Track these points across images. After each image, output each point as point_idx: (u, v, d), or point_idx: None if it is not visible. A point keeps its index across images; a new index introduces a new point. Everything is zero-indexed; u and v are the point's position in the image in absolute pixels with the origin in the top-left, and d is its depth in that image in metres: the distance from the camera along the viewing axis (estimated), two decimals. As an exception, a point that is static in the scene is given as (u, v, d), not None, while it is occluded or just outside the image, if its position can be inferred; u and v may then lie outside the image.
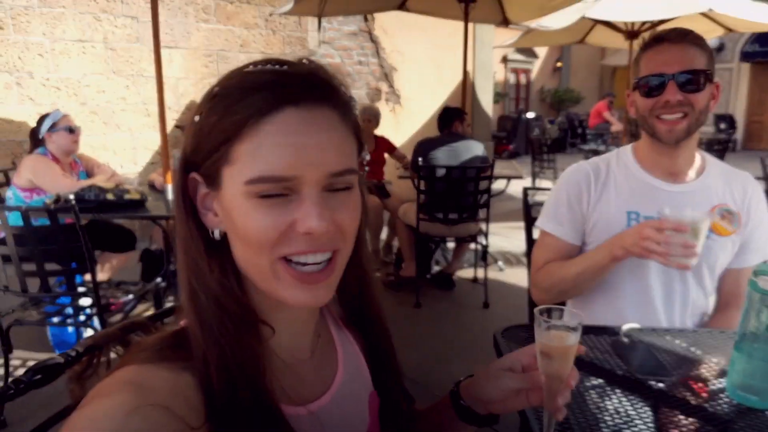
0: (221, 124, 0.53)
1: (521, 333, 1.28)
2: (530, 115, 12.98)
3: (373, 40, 6.81)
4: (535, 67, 15.12)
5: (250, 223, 0.53)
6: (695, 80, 1.27)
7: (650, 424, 0.94)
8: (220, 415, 0.52)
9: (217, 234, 0.58)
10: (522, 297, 3.58)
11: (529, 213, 1.87)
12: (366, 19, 6.70)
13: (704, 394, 1.02)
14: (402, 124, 7.19)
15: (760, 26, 5.56)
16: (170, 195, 2.89)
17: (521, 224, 5.29)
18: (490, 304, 3.53)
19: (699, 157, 1.43)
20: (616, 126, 10.49)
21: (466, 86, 5.00)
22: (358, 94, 6.79)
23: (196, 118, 0.56)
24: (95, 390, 0.51)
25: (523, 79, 15.00)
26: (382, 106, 6.74)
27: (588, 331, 1.30)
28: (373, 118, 4.53)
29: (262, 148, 0.52)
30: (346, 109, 0.57)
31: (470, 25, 4.86)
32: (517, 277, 4.11)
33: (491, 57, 8.79)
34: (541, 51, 14.86)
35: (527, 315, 1.86)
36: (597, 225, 1.42)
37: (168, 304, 3.10)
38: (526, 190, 1.95)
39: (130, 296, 2.73)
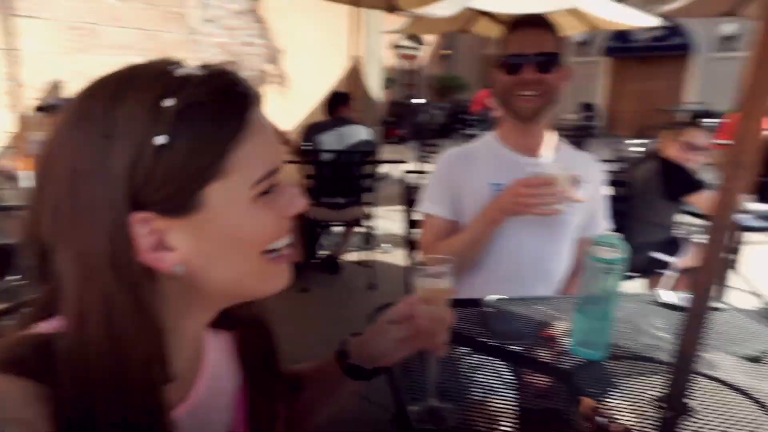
0: (213, 137, 0.51)
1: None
2: (418, 100, 13.37)
3: (260, 20, 6.59)
4: (424, 53, 15.55)
5: (256, 226, 0.55)
6: (548, 62, 1.42)
7: (512, 383, 1.05)
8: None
9: (179, 270, 0.53)
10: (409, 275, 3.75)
11: (408, 195, 1.94)
12: (252, -2, 6.46)
13: (554, 353, 1.15)
14: (291, 108, 7.07)
15: (620, 25, 6.17)
16: (25, 182, 2.61)
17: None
18: (378, 285, 3.63)
19: (555, 138, 1.58)
20: (497, 112, 11.15)
21: (355, 71, 5.02)
22: (245, 75, 6.56)
23: (160, 140, 0.48)
24: None
25: (412, 65, 15.37)
26: (269, 89, 6.57)
27: (458, 303, 1.40)
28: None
29: (258, 147, 0.54)
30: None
31: (359, 10, 4.89)
32: (403, 257, 4.27)
33: (380, 42, 8.89)
34: (430, 38, 15.31)
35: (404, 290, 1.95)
36: (466, 198, 1.53)
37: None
38: (405, 173, 2.02)
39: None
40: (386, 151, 4.10)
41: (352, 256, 4.20)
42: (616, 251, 1.05)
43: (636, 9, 6.17)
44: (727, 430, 0.89)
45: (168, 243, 0.51)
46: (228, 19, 6.29)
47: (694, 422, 0.91)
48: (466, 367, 1.10)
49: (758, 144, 0.89)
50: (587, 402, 0.91)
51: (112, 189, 0.48)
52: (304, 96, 7.20)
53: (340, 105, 3.78)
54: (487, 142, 1.60)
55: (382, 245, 4.47)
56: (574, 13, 5.71)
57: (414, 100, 13.15)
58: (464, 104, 14.36)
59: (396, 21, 7.81)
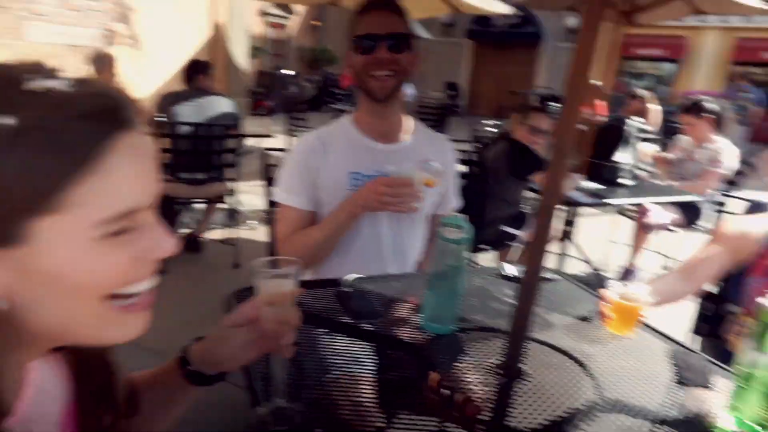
0: (45, 169, 0.44)
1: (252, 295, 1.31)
2: (288, 72, 13.01)
3: (105, -28, 5.90)
4: (293, 23, 15.10)
5: (93, 269, 0.48)
6: (400, 43, 1.45)
7: (368, 360, 1.08)
8: None
9: (3, 304, 0.47)
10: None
11: (268, 173, 1.89)
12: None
13: (408, 329, 1.20)
14: (144, 73, 6.48)
15: (476, 9, 6.53)
16: None
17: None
18: (241, 263, 3.52)
19: (409, 121, 1.62)
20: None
21: (218, 37, 4.73)
22: (90, 34, 5.86)
23: None
24: None
25: (281, 34, 14.85)
26: (121, 52, 5.95)
27: (316, 284, 1.40)
28: (110, 67, 3.96)
29: (110, 183, 0.47)
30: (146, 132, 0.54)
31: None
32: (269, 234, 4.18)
33: (247, 8, 8.46)
34: (300, 8, 14.87)
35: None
36: (325, 188, 1.52)
37: None
38: (266, 150, 1.96)
39: None
40: (253, 124, 3.93)
41: (214, 234, 4.00)
42: (461, 231, 1.12)
43: (492, -4, 6.60)
44: (555, 388, 1.00)
45: None
46: (66, -32, 5.55)
47: (528, 385, 1.01)
48: (326, 347, 1.11)
49: (576, 135, 0.99)
50: (433, 376, 0.97)
51: None
52: (159, 61, 6.63)
53: (199, 74, 3.54)
54: (343, 126, 1.58)
55: (247, 222, 4.32)
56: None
57: (283, 71, 12.77)
58: (334, 78, 14.26)
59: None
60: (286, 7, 14.05)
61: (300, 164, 1.53)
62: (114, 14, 6.09)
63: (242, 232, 3.81)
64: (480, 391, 0.99)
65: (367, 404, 0.98)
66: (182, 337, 0.81)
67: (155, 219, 0.52)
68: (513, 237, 2.91)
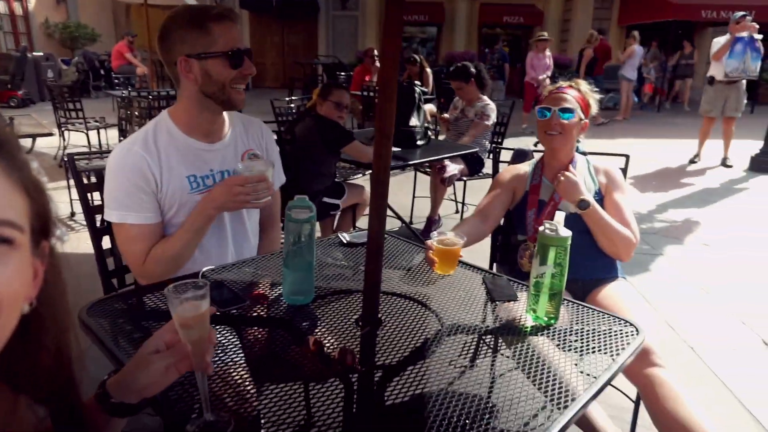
0: None
1: (107, 306, 1.27)
2: (38, 53, 11.16)
3: None
4: (32, -5, 12.88)
5: None
6: (252, 56, 1.52)
7: (236, 345, 1.16)
8: None
9: None
10: (81, 262, 3.32)
11: (80, 182, 1.74)
12: None
13: (270, 307, 1.31)
14: None
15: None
16: None
17: (60, 184, 4.69)
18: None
19: (225, 115, 1.64)
20: (141, 69, 10.29)
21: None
22: None
23: None
24: None
25: (18, 8, 12.55)
26: None
27: (172, 281, 1.40)
28: None
29: None
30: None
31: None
32: (70, 243, 3.73)
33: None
34: (36, -23, 12.69)
35: (101, 283, 1.79)
36: (167, 196, 1.49)
37: None
38: (72, 157, 1.80)
39: None
40: (16, 123, 3.37)
41: None
42: (309, 210, 1.25)
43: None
44: (407, 327, 1.22)
45: None
46: None
47: (386, 329, 1.21)
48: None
49: (393, 118, 1.17)
50: (311, 339, 1.11)
51: None
52: None
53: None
54: (166, 129, 1.53)
55: (58, 230, 3.78)
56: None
57: (34, 54, 10.91)
58: (101, 59, 12.66)
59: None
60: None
61: (134, 178, 1.45)
62: None
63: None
64: (350, 345, 1.16)
65: (248, 387, 1.07)
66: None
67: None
68: (334, 207, 3.12)
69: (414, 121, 3.65)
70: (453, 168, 3.97)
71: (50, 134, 3.79)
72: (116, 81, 8.79)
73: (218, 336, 1.18)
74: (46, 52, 11.59)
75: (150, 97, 5.52)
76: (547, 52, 9.00)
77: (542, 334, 1.20)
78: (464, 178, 4.15)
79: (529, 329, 1.22)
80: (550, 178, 1.86)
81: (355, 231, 1.80)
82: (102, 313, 1.22)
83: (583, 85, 1.89)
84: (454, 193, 4.74)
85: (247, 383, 1.06)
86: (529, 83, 8.97)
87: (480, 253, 2.10)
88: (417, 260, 1.60)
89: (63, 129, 5.84)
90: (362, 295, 1.24)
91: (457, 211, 4.69)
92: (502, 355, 1.15)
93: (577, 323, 1.27)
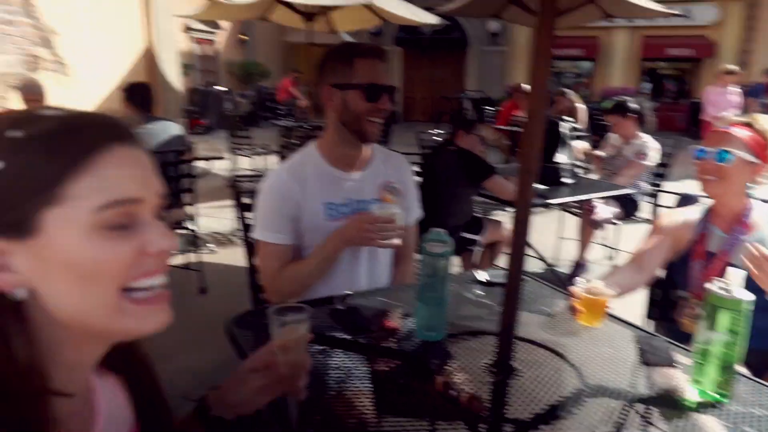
0: (42, 165, 0.52)
1: (252, 319, 1.36)
2: (221, 88, 12.79)
3: (23, -4, 5.62)
4: (220, 38, 14.84)
5: (100, 255, 0.54)
6: (394, 92, 1.58)
7: (367, 371, 1.16)
8: None
9: (21, 293, 0.54)
10: (239, 275, 3.64)
11: (240, 202, 1.92)
12: (8, -31, 5.47)
13: (401, 339, 1.29)
14: (73, 99, 6.22)
15: (405, 20, 6.76)
16: None
17: (227, 203, 5.23)
18: (208, 288, 3.50)
19: (370, 147, 1.70)
20: (302, 101, 11.25)
21: (149, 57, 4.63)
22: (9, 60, 5.56)
23: None
24: None
25: (208, 50, 14.56)
26: (47, 77, 5.68)
27: (309, 303, 1.46)
28: (39, 95, 3.81)
29: (105, 179, 0.54)
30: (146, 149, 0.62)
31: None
32: (232, 256, 4.14)
33: (173, 26, 8.28)
34: (225, 23, 14.64)
35: (249, 295, 1.94)
36: (304, 220, 1.58)
37: None
38: (236, 178, 1.99)
39: None
40: (197, 146, 3.88)
41: (177, 260, 3.94)
42: (444, 245, 1.22)
43: (419, 8, 6.86)
44: (543, 380, 1.12)
45: (9, 265, 0.53)
46: (-22, -8, 5.24)
47: (520, 380, 1.12)
48: (325, 363, 1.18)
49: (539, 154, 1.11)
50: (439, 379, 1.07)
51: None
52: (88, 85, 6.38)
53: (143, 99, 3.47)
54: (311, 157, 1.64)
55: (208, 245, 4.27)
56: (369, 7, 6.11)
57: (217, 88, 12.53)
58: (269, 92, 14.13)
59: (189, 3, 7.34)
60: (212, 23, 13.81)
61: (278, 201, 1.57)
62: (35, 38, 5.81)
63: (205, 257, 3.77)
64: (479, 390, 1.10)
65: (371, 415, 1.06)
66: (163, 368, 0.81)
67: (156, 217, 0.59)
68: (472, 242, 3.06)
69: (560, 158, 3.47)
70: (605, 210, 3.68)
71: (222, 158, 4.27)
72: (280, 112, 9.72)
73: (346, 361, 1.19)
74: (227, 87, 13.23)
75: (308, 127, 6.01)
76: (733, 87, 7.96)
77: (709, 414, 1.02)
78: (617, 222, 3.83)
79: (692, 405, 1.05)
80: (722, 227, 1.62)
81: (493, 269, 1.73)
82: (247, 324, 1.31)
83: (764, 121, 1.59)
84: (606, 237, 4.37)
85: (369, 411, 1.05)
86: (708, 122, 8.03)
87: (632, 306, 1.89)
88: (558, 307, 1.48)
89: (234, 154, 6.58)
90: (497, 338, 1.17)
91: (609, 257, 4.32)
92: (657, 429, 1.00)
93: (758, 407, 1.06)
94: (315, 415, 0.92)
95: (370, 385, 1.14)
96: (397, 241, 1.50)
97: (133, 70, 7.00)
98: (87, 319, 0.56)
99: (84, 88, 6.32)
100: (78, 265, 0.53)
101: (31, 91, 3.89)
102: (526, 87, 7.27)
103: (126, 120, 0.61)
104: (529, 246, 3.47)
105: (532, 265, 3.67)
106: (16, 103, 4.93)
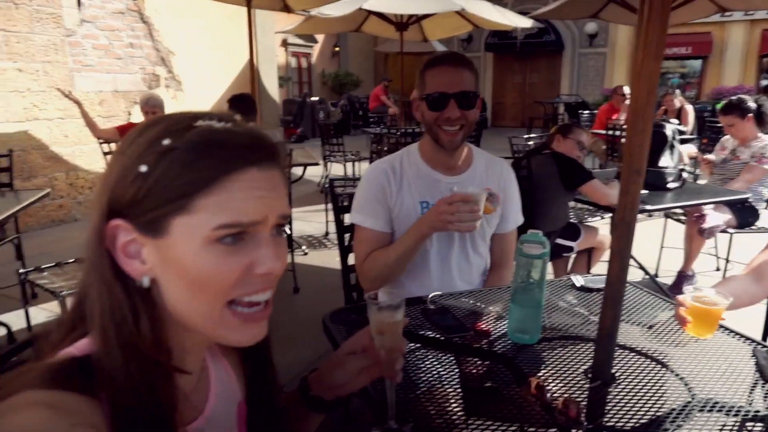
0: (184, 177, 0.56)
1: (346, 315, 1.42)
2: (314, 98, 13.33)
3: (145, 20, 6.22)
4: (315, 51, 15.48)
5: (210, 268, 0.57)
6: (470, 100, 1.54)
7: (458, 372, 1.16)
8: None
9: (146, 282, 0.59)
10: (329, 276, 3.79)
11: (336, 203, 2.00)
12: (133, -3, 6.08)
13: (493, 341, 1.28)
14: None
15: (498, 25, 6.66)
16: None
17: (320, 207, 5.46)
18: (300, 288, 3.65)
19: (468, 150, 1.71)
20: (393, 109, 11.43)
21: (251, 71, 4.93)
22: (133, 79, 6.17)
23: (143, 168, 0.56)
24: None
25: (304, 62, 15.24)
26: (162, 93, 6.25)
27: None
28: (159, 108, 4.22)
29: (232, 200, 0.57)
30: (285, 167, 0.66)
31: (251, 10, 4.79)
32: (322, 258, 4.30)
33: (273, 41, 8.77)
34: (320, 35, 15.26)
35: (343, 295, 2.01)
36: (399, 214, 1.63)
37: None
38: (332, 181, 2.08)
39: None
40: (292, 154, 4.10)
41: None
42: (542, 246, 1.20)
43: (512, 11, 6.73)
44: (647, 391, 1.06)
45: (141, 255, 0.59)
46: (108, 19, 5.87)
47: (621, 388, 1.07)
48: (417, 362, 1.20)
49: (646, 152, 1.05)
50: (534, 381, 1.05)
51: (103, 195, 0.59)
52: (198, 99, 6.93)
53: (246, 108, 3.71)
54: (411, 157, 1.69)
55: (301, 248, 4.47)
56: (461, 14, 6.10)
57: (311, 98, 13.07)
58: (360, 101, 14.51)
59: (288, 19, 7.73)
60: (308, 37, 14.45)
61: (376, 191, 1.64)
62: (154, 58, 6.41)
63: (297, 258, 3.94)
64: (573, 396, 1.06)
65: (459, 417, 1.05)
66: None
67: (271, 240, 0.61)
68: (567, 248, 2.96)
69: (665, 161, 3.25)
70: (716, 217, 3.40)
71: (317, 164, 4.45)
72: (371, 120, 9.94)
73: (435, 361, 1.20)
74: (320, 97, 13.77)
75: (398, 133, 6.10)
76: None
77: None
78: (730, 231, 3.51)
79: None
80: None
81: (589, 275, 1.67)
82: (340, 320, 1.36)
83: None
84: (716, 247, 4.02)
85: (457, 411, 1.05)
86: None
87: (748, 319, 1.73)
88: (663, 317, 1.40)
89: (326, 161, 6.82)
90: (594, 344, 1.13)
91: (717, 269, 3.97)
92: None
93: None
94: (405, 413, 0.94)
95: (458, 387, 1.14)
96: (473, 225, 1.44)
97: (237, 83, 7.49)
98: (190, 320, 0.61)
99: (194, 101, 6.87)
100: (190, 273, 0.57)
101: (151, 105, 4.30)
102: (627, 89, 6.90)
103: (272, 139, 0.63)
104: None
105: (632, 275, 3.45)
106: (138, 116, 5.47)
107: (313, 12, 6.06)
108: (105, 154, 4.72)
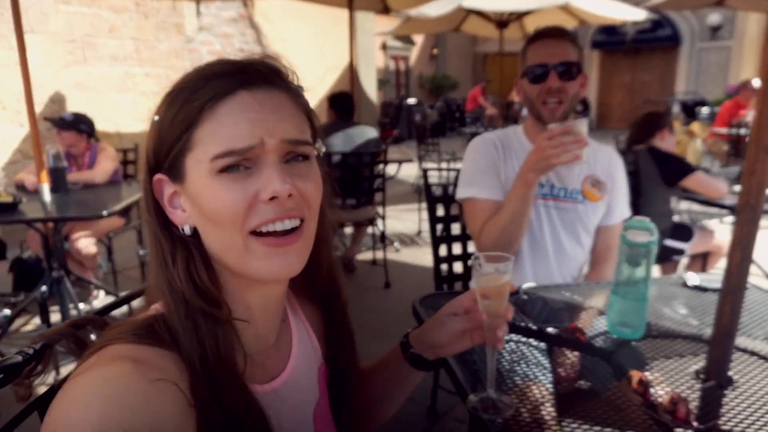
0: (180, 114, 0.57)
1: (434, 301, 1.40)
2: (411, 100, 13.44)
3: (254, 26, 6.63)
4: (413, 53, 15.62)
5: (218, 200, 0.57)
6: (570, 70, 1.49)
7: (553, 364, 1.10)
8: (203, 396, 0.55)
9: (187, 229, 0.61)
10: (419, 273, 3.80)
11: (429, 192, 1.99)
12: (245, 5, 6.50)
13: (583, 336, 1.21)
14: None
15: (607, 19, 6.30)
16: (46, 195, 2.64)
17: (413, 206, 5.50)
18: (391, 283, 3.68)
19: None
20: (491, 110, 11.22)
21: (351, 73, 5.07)
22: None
23: (156, 117, 0.60)
24: (82, 366, 0.52)
25: (402, 65, 15.43)
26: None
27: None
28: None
29: (223, 126, 0.57)
30: (296, 93, 0.64)
31: (352, 13, 4.94)
32: (413, 256, 4.32)
33: (372, 44, 8.97)
34: (418, 38, 15.38)
35: (434, 289, 2.00)
36: (506, 184, 1.59)
37: (55, 315, 2.86)
38: (425, 171, 2.07)
39: (5, 311, 2.44)
40: (388, 152, 4.15)
41: (364, 256, 4.24)
42: (649, 234, 1.11)
43: (624, 3, 6.31)
44: (765, 397, 0.95)
45: (179, 203, 0.61)
46: (222, 26, 6.33)
47: (738, 392, 0.96)
48: (508, 350, 1.16)
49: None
50: (637, 375, 0.97)
51: (147, 155, 0.62)
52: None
53: (345, 106, 3.81)
54: (516, 134, 1.67)
55: (394, 244, 4.52)
56: (565, 8, 5.83)
57: (408, 101, 13.21)
58: (457, 103, 14.42)
59: (387, 22, 7.87)
60: (406, 39, 14.61)
61: (484, 160, 1.62)
62: (263, 62, 6.82)
63: (389, 254, 3.99)
64: (684, 396, 0.97)
65: (553, 415, 0.99)
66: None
67: (276, 165, 0.58)
68: (677, 251, 2.72)
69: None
70: None
71: (411, 160, 4.48)
72: (467, 121, 9.84)
73: (529, 353, 1.15)
74: (417, 99, 13.86)
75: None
76: None
77: None
78: None
79: None
80: None
81: (705, 274, 1.52)
82: (430, 304, 1.35)
83: None
84: None
85: (548, 406, 0.99)
86: None
87: None
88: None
89: (421, 161, 6.84)
90: (709, 343, 1.02)
91: None
92: None
93: None
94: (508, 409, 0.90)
95: (550, 385, 1.08)
96: (578, 155, 1.35)
97: (337, 85, 7.75)
98: (223, 256, 0.61)
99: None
100: (204, 209, 0.58)
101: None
102: (756, 82, 6.22)
103: (273, 62, 0.62)
104: (755, 261, 2.95)
105: (751, 280, 3.10)
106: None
107: (412, 12, 6.13)
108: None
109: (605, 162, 1.65)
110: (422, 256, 4.26)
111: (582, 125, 1.35)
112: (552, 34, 1.52)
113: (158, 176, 0.61)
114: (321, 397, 0.76)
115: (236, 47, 6.49)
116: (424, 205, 4.85)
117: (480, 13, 6.15)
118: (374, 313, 3.18)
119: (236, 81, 0.57)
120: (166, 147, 0.59)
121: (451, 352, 0.84)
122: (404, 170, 4.95)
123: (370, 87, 8.79)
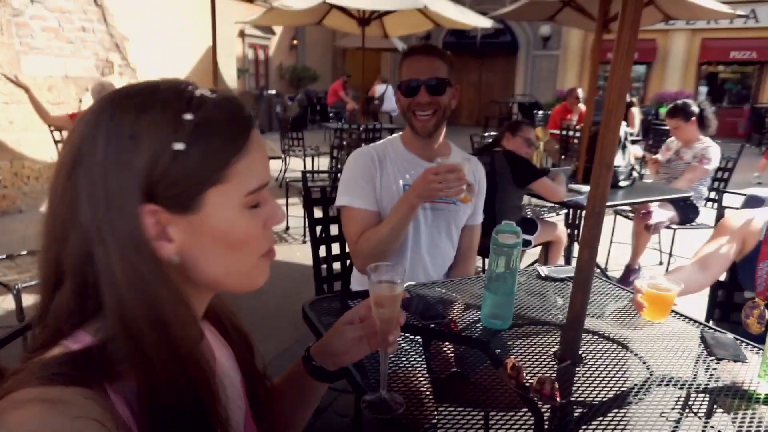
0: (213, 151, 0.58)
1: (325, 304, 1.45)
2: (271, 91, 13.15)
3: (98, 4, 5.98)
4: (273, 43, 15.25)
5: (242, 231, 0.62)
6: (440, 86, 1.63)
7: (434, 356, 1.22)
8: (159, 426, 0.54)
9: (177, 259, 0.60)
10: (291, 271, 3.78)
11: (309, 195, 2.02)
12: (87, -22, 5.84)
13: (467, 327, 1.35)
14: (140, 101, 6.55)
15: (458, 24, 6.79)
16: None
17: (280, 201, 5.40)
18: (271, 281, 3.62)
19: (445, 141, 1.80)
20: (351, 105, 11.45)
21: (208, 61, 4.84)
22: (85, 65, 5.93)
23: (179, 146, 0.56)
24: None
25: (261, 54, 14.99)
26: (116, 81, 6.03)
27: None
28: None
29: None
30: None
31: (211, -2, 4.71)
32: (284, 253, 4.29)
33: (232, 31, 8.62)
34: (278, 28, 15.03)
35: (308, 287, 2.04)
36: (383, 195, 1.70)
37: None
38: (304, 173, 2.10)
39: None
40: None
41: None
42: (515, 236, 1.27)
43: (472, 11, 6.88)
44: (611, 370, 1.15)
45: (168, 234, 0.59)
46: (59, 0, 5.61)
47: (587, 368, 1.16)
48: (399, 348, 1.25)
49: (615, 148, 1.14)
50: (510, 362, 1.12)
51: (133, 181, 0.55)
52: (154, 88, 6.73)
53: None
54: (393, 144, 1.78)
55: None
56: (422, 11, 6.18)
57: (268, 91, 12.89)
58: (318, 95, 14.42)
59: (247, 10, 7.61)
60: (267, 28, 14.21)
61: (361, 173, 1.70)
62: (108, 44, 6.18)
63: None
64: (549, 377, 1.14)
65: (430, 400, 1.11)
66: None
67: (270, 196, 0.66)
68: (526, 243, 3.08)
69: (617, 161, 3.44)
70: (661, 214, 3.62)
71: (279, 157, 4.43)
72: (330, 115, 9.92)
73: (411, 347, 1.25)
74: (277, 91, 13.59)
75: (359, 129, 6.13)
76: None
77: (781, 404, 1.03)
78: (673, 227, 3.75)
79: (761, 397, 1.06)
80: None
81: (553, 266, 1.76)
82: (319, 309, 1.40)
83: None
84: (659, 242, 4.28)
85: (428, 395, 1.10)
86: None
87: (694, 307, 1.88)
88: (620, 304, 1.51)
89: (286, 155, 6.77)
90: (562, 328, 1.21)
91: (660, 263, 4.24)
92: (723, 417, 1.02)
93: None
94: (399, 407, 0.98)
95: (426, 373, 1.19)
96: (461, 191, 1.50)
97: (194, 73, 7.33)
98: (228, 279, 0.64)
99: (149, 90, 6.67)
100: (230, 237, 0.61)
101: (104, 93, 4.16)
102: (581, 92, 7.19)
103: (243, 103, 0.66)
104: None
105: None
106: (89, 104, 5.26)
107: (276, 3, 6.00)
108: (56, 142, 4.53)
109: (472, 169, 1.83)
110: (293, 254, 4.25)
111: (465, 165, 1.49)
112: (424, 51, 1.66)
113: (151, 207, 0.56)
114: (247, 409, 0.77)
115: (77, 25, 5.80)
116: (291, 200, 4.88)
117: (343, 9, 6.24)
118: (247, 311, 3.11)
119: (249, 121, 0.62)
120: (181, 181, 0.56)
121: (352, 359, 0.91)
122: (273, 165, 4.87)
123: (229, 76, 8.44)
